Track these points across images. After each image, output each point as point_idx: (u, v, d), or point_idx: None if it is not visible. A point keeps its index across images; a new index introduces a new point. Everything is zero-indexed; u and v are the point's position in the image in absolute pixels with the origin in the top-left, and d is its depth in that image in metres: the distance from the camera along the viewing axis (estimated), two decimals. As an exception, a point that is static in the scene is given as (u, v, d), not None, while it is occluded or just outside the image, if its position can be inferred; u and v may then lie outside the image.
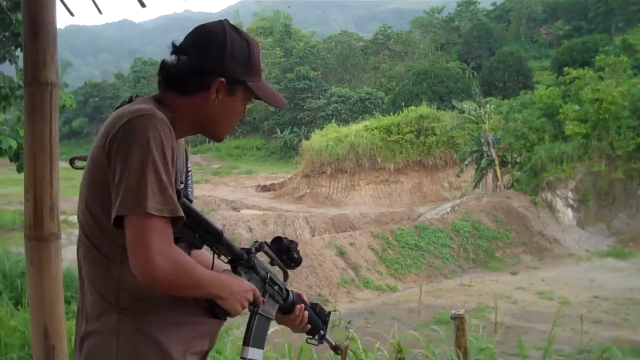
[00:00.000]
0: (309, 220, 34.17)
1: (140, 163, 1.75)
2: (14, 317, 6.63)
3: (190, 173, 2.20)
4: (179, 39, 2.01)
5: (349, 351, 4.64)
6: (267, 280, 2.13)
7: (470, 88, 61.98)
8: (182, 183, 2.02)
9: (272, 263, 2.21)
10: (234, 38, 1.99)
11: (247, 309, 2.07)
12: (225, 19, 2.06)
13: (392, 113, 54.34)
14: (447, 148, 46.77)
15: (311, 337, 2.42)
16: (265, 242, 2.16)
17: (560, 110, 37.20)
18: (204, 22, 2.06)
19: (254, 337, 2.08)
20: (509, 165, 38.90)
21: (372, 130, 49.33)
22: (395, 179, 47.26)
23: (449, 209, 35.89)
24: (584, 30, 70.96)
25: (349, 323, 4.84)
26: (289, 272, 2.26)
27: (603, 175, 34.11)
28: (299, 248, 2.24)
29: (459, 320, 4.97)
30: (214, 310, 1.96)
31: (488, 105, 42.28)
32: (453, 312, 5.23)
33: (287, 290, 2.25)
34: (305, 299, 2.35)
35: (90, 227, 1.91)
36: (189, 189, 2.16)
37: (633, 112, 35.15)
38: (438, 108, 53.03)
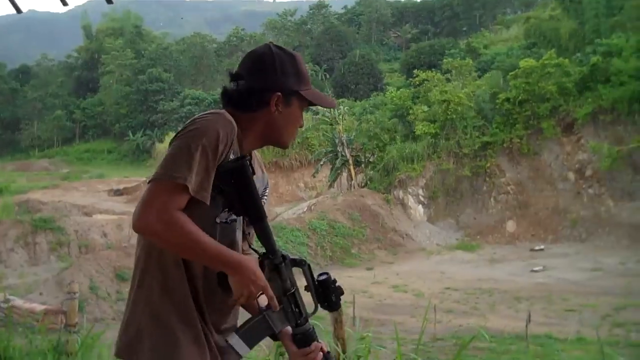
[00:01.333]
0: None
1: (188, 141, 1.95)
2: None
3: (267, 190, 2.36)
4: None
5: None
6: (287, 294, 2.07)
7: (323, 90, 62.78)
8: (263, 196, 2.26)
9: (306, 288, 2.12)
10: (280, 56, 2.21)
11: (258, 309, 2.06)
12: (270, 42, 2.28)
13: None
14: (302, 149, 47.11)
15: None
16: (309, 266, 2.15)
17: (411, 111, 38.48)
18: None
19: (247, 331, 2.05)
20: (363, 165, 39.70)
21: (227, 132, 49.04)
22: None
23: (306, 208, 36.27)
24: (430, 34, 73.69)
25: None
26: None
27: (451, 173, 35.57)
28: None
29: (337, 313, 5.04)
30: (222, 282, 2.00)
31: (341, 107, 43.01)
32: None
33: (307, 320, 2.12)
34: (325, 346, 2.20)
35: None
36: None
37: (478, 112, 36.91)
38: (292, 109, 53.39)
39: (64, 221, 31.67)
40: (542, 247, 31.05)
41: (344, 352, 4.82)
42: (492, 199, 35.15)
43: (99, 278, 25.14)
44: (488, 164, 35.37)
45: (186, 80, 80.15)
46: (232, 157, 2.03)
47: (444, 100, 36.12)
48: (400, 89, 44.26)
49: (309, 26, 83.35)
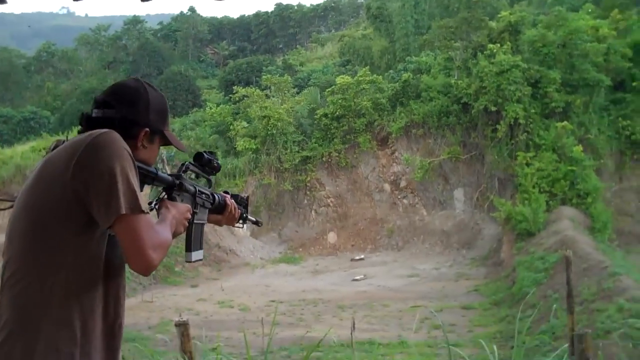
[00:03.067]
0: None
1: (124, 170, 2.01)
2: None
3: None
4: None
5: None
6: (196, 194, 2.57)
7: (140, 106, 61.68)
8: None
9: (197, 176, 2.69)
10: (152, 94, 2.33)
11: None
12: (138, 77, 2.47)
13: (59, 132, 52.13)
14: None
15: (237, 221, 2.94)
16: (190, 162, 2.62)
17: (231, 127, 38.62)
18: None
19: (194, 242, 2.61)
20: (183, 182, 39.28)
21: (40, 150, 46.93)
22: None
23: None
24: (247, 51, 74.28)
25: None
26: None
27: (273, 187, 35.97)
28: None
29: (183, 327, 5.09)
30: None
31: (160, 123, 42.40)
32: (176, 319, 5.37)
33: (213, 195, 2.73)
34: (228, 195, 2.88)
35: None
36: None
37: (297, 127, 37.62)
38: (109, 127, 52.00)
39: None
40: (362, 256, 32.04)
41: None
42: (313, 212, 35.91)
43: None
44: (308, 178, 36.11)
45: (-8, 98, 75.78)
46: None
47: (264, 116, 36.52)
48: (220, 105, 44.28)
49: (124, 42, 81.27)
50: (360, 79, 36.51)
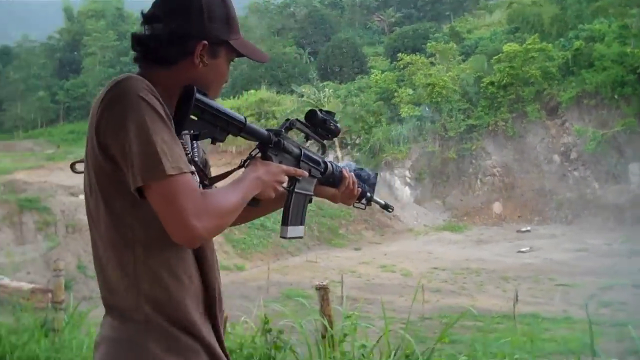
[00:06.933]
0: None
1: (140, 126, 1.64)
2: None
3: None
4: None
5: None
6: (301, 158, 2.09)
7: (308, 72, 62.55)
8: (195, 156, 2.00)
9: (307, 138, 2.16)
10: None
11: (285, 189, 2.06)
12: None
13: (231, 97, 54.07)
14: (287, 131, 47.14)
15: (358, 201, 2.43)
16: (297, 119, 2.10)
17: (396, 94, 38.57)
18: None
19: (292, 216, 2.07)
20: (349, 147, 39.78)
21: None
22: (238, 161, 47.08)
23: (292, 189, 36.28)
24: (414, 18, 73.37)
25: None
26: None
27: (437, 155, 35.77)
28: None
29: (323, 291, 5.16)
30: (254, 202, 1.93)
31: (326, 90, 43.03)
32: (317, 283, 5.42)
33: (326, 163, 2.21)
34: (347, 169, 2.33)
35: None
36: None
37: (462, 95, 37.06)
38: (277, 92, 53.33)
39: (50, 201, 31.45)
40: (528, 228, 31.32)
41: (331, 329, 4.94)
42: (478, 181, 35.42)
43: (87, 257, 25.05)
44: (474, 147, 35.62)
45: (168, 62, 79.40)
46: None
47: (429, 84, 36.29)
48: (385, 72, 44.27)
49: (292, 9, 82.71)
50: (529, 46, 35.37)
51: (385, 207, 2.58)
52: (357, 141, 39.56)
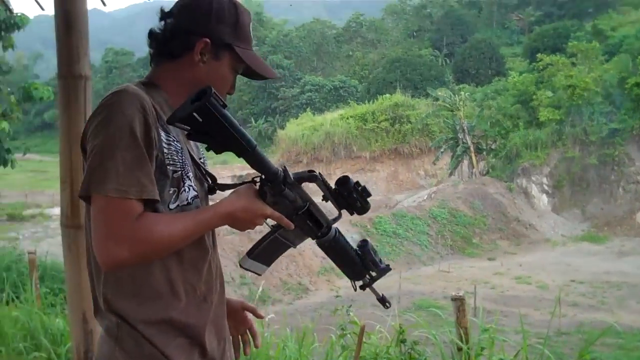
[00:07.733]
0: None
1: (105, 141, 1.65)
2: (17, 308, 6.67)
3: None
4: (149, 28, 1.93)
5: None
6: (300, 212, 1.88)
7: (444, 75, 62.08)
8: (200, 159, 2.01)
9: (324, 199, 1.92)
10: (221, 0, 1.90)
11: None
12: None
13: (366, 101, 54.36)
14: (422, 136, 46.93)
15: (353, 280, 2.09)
16: (322, 177, 1.90)
17: (534, 97, 37.64)
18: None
19: (260, 252, 1.94)
20: (484, 152, 39.23)
21: (347, 118, 49.46)
22: (371, 167, 47.40)
23: (426, 196, 36.09)
24: (554, 16, 71.23)
25: (349, 307, 4.97)
26: None
27: (577, 161, 34.59)
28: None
29: (459, 302, 5.13)
30: None
31: (462, 93, 42.54)
32: (453, 293, 5.38)
33: (329, 227, 1.95)
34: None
35: None
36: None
37: (605, 98, 35.69)
38: (412, 96, 53.18)
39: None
40: (676, 240, 29.79)
41: (467, 341, 4.89)
42: (620, 189, 33.94)
43: (223, 262, 25.77)
44: (616, 152, 34.14)
45: (306, 67, 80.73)
46: (161, 132, 1.75)
47: (570, 86, 35.12)
48: (523, 74, 43.19)
49: (428, 10, 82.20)
50: (679, 44, 33.62)
51: (382, 300, 2.18)
52: (493, 146, 38.87)
